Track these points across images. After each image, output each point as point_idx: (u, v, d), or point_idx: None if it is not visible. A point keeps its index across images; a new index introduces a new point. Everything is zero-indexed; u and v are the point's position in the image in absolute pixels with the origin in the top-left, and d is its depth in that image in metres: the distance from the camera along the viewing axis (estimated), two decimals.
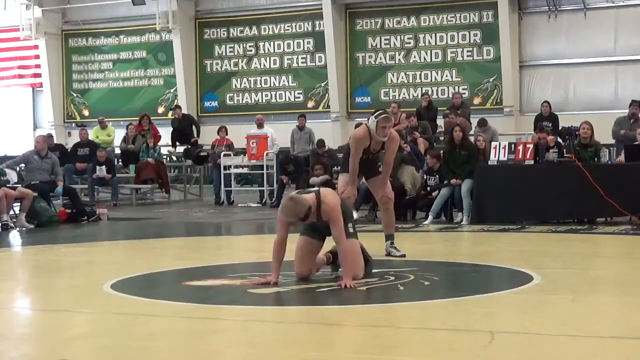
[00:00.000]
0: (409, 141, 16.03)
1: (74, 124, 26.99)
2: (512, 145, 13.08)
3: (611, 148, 13.00)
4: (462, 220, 12.87)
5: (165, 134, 21.22)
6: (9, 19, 26.91)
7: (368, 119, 8.75)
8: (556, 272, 7.84)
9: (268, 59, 24.96)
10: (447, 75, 23.09)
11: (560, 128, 16.09)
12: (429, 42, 23.25)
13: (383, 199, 8.95)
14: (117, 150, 20.56)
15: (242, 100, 25.24)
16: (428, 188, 13.78)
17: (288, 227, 7.21)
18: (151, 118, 20.93)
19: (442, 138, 17.89)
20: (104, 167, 17.73)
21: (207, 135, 21.25)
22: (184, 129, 20.80)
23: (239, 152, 18.81)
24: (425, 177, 14.09)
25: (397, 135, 9.09)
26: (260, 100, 24.98)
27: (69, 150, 19.67)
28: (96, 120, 21.99)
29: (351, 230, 7.32)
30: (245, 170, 18.91)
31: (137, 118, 20.75)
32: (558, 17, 22.12)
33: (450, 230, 12.19)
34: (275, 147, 18.08)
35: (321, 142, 17.35)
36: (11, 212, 13.81)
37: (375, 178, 8.95)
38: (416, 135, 16.91)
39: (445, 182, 13.32)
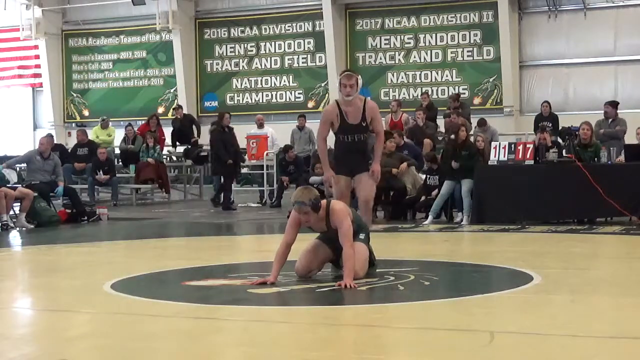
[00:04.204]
0: (407, 141, 16.00)
1: (74, 124, 27.01)
2: (512, 145, 13.08)
3: (611, 148, 12.99)
4: (462, 220, 12.87)
5: (166, 133, 21.21)
6: (9, 19, 26.94)
7: None
8: (556, 272, 7.84)
9: (269, 59, 24.98)
10: (447, 75, 23.11)
11: (560, 128, 16.10)
12: (429, 42, 23.27)
13: (362, 198, 8.81)
14: (117, 150, 20.56)
15: (243, 100, 25.26)
16: (428, 182, 13.76)
17: (297, 229, 7.24)
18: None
19: (440, 138, 17.87)
20: (101, 172, 17.70)
21: (207, 135, 21.22)
22: (184, 129, 20.81)
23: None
24: (425, 177, 14.10)
25: (375, 104, 8.91)
26: (260, 101, 25.00)
27: (69, 150, 19.66)
28: (96, 120, 22.00)
29: (362, 237, 7.44)
30: (245, 170, 18.90)
31: (137, 118, 20.76)
32: (558, 17, 22.14)
33: (450, 230, 12.18)
34: (276, 147, 18.08)
35: None
36: (11, 212, 13.81)
37: (362, 175, 8.80)
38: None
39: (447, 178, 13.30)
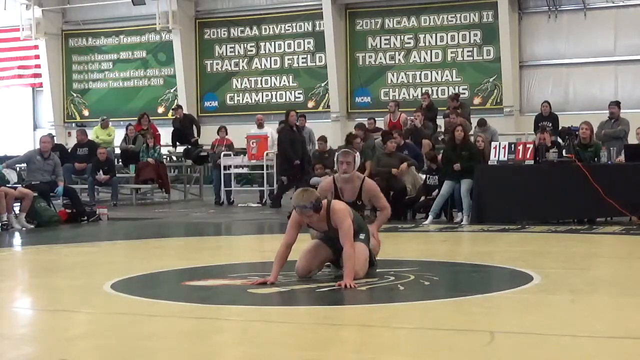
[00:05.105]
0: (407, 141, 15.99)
1: (74, 124, 27.01)
2: (512, 145, 13.08)
3: (611, 148, 12.99)
4: (462, 220, 12.87)
5: (166, 134, 21.22)
6: (9, 19, 26.93)
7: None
8: (556, 272, 7.84)
9: (268, 59, 24.98)
10: (447, 75, 23.10)
11: (560, 128, 16.09)
12: (429, 42, 23.26)
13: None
14: (117, 150, 20.56)
15: (243, 100, 25.26)
16: (428, 182, 13.74)
17: (298, 229, 7.24)
18: (151, 118, 20.92)
19: (440, 138, 17.86)
20: (101, 172, 17.68)
21: (207, 135, 21.24)
22: (184, 129, 20.80)
23: (239, 152, 18.79)
24: (425, 177, 14.10)
25: (373, 184, 8.42)
26: (260, 100, 25.00)
27: (69, 150, 19.65)
28: (96, 120, 21.99)
29: (362, 237, 7.43)
30: (245, 170, 18.89)
31: (137, 118, 20.74)
32: (558, 17, 22.13)
33: (450, 230, 12.19)
34: (275, 147, 18.05)
35: (323, 139, 17.34)
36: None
37: None
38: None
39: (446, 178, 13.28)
